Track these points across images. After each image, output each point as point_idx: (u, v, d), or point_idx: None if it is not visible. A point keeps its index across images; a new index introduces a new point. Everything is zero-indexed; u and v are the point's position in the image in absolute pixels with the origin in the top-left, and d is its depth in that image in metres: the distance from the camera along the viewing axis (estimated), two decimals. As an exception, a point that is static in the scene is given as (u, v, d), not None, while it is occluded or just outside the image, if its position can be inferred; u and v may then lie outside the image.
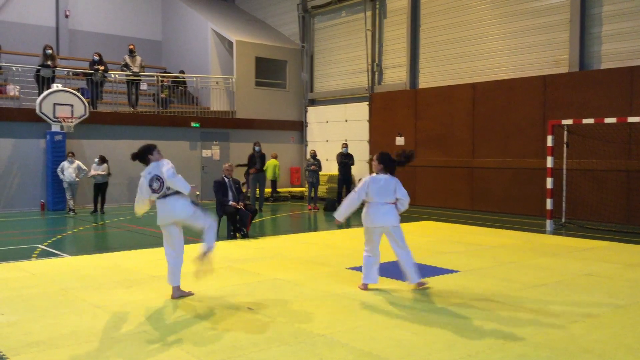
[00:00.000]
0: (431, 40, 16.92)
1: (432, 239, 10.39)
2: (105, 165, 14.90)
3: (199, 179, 18.83)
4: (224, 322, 5.31)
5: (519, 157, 14.49)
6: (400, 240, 6.47)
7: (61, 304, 5.92)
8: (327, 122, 20.26)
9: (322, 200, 17.28)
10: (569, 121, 11.61)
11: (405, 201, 6.58)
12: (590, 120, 11.31)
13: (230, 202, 10.51)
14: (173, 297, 6.14)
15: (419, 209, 16.08)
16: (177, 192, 6.12)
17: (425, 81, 17.09)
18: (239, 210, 10.47)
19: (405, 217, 13.89)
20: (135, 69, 17.80)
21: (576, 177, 12.74)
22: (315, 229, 12.78)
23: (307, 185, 17.14)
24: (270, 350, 4.53)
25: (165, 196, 6.12)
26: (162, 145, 18.10)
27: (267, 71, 20.62)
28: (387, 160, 6.63)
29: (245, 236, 10.56)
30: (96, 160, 14.84)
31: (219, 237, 10.56)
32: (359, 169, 17.74)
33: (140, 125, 17.52)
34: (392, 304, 5.93)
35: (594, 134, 12.46)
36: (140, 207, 6.33)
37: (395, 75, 17.99)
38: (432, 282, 6.90)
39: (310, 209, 15.95)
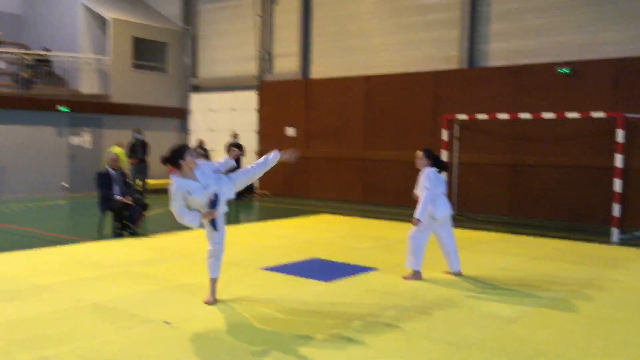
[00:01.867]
0: (324, 31, 16.65)
1: (337, 234, 10.09)
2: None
3: (66, 169, 17.07)
4: (142, 341, 4.53)
5: (411, 150, 14.61)
6: (451, 228, 6.95)
7: None
8: (212, 110, 19.30)
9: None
10: (464, 116, 11.89)
11: None
12: (484, 116, 11.66)
13: (117, 197, 9.43)
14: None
15: (312, 201, 15.82)
16: None
17: (318, 72, 16.80)
18: (128, 206, 9.42)
19: (300, 211, 13.58)
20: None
21: (465, 171, 13.13)
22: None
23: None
24: (208, 375, 3.87)
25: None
26: (26, 132, 16.34)
27: (146, 53, 19.17)
28: (434, 157, 6.96)
29: (134, 234, 9.54)
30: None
31: (102, 236, 9.53)
32: (248, 161, 17.04)
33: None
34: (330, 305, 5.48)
35: (482, 129, 12.92)
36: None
37: (287, 65, 17.51)
38: (356, 281, 6.57)
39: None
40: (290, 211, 13.69)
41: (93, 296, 5.74)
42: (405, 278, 6.65)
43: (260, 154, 17.68)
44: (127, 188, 9.70)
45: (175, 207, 5.17)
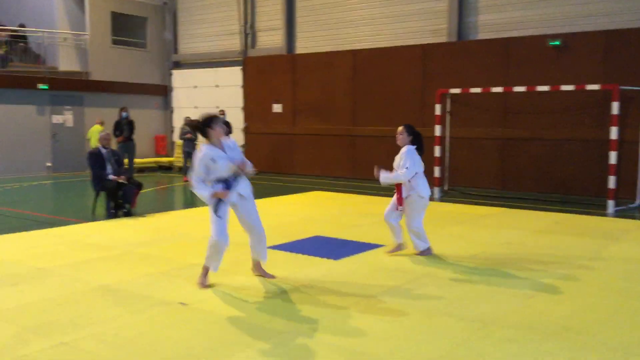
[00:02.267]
0: (309, 4, 16.36)
1: (333, 211, 10.02)
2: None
3: (49, 148, 16.65)
4: (161, 323, 4.41)
5: (399, 126, 14.58)
6: None
7: None
8: (195, 87, 18.94)
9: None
10: (457, 90, 11.82)
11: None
12: (478, 90, 11.61)
13: (110, 176, 9.20)
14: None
15: (299, 177, 15.71)
16: None
17: (303, 46, 16.55)
18: (122, 185, 9.20)
19: (290, 188, 13.46)
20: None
21: (456, 145, 13.12)
22: (205, 203, 11.78)
23: (181, 156, 15.91)
24: (234, 357, 3.79)
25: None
26: (5, 110, 15.83)
27: (125, 29, 18.67)
28: (415, 133, 6.63)
29: (128, 214, 9.35)
30: None
31: (95, 216, 9.32)
32: (235, 138, 16.78)
33: (-25, 86, 14.93)
34: (344, 284, 5.42)
35: (473, 103, 12.89)
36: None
37: (271, 39, 17.21)
38: (364, 258, 6.52)
39: (186, 181, 14.78)
40: (279, 188, 13.57)
41: (100, 279, 5.59)
42: (421, 253, 6.58)
43: (246, 130, 17.48)
44: (119, 167, 9.46)
45: (195, 175, 5.16)
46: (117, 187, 9.18)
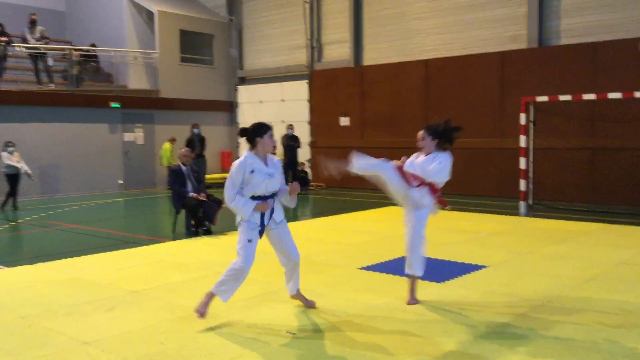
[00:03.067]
0: (376, 15, 16.03)
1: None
2: (17, 153, 12.69)
3: (121, 165, 16.86)
4: (280, 356, 4.07)
5: (475, 137, 14.01)
6: None
7: (32, 343, 4.37)
8: (260, 102, 18.87)
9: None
10: (544, 98, 11.16)
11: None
12: (568, 97, 10.92)
13: (191, 194, 9.04)
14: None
15: (368, 192, 15.26)
16: None
17: (371, 58, 16.21)
18: (203, 203, 9.03)
19: (363, 204, 13.05)
20: (34, 41, 15.40)
21: (539, 157, 12.40)
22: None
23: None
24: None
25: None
26: (79, 129, 16.09)
27: (192, 46, 18.83)
28: (441, 133, 5.38)
29: (208, 232, 9.15)
30: (9, 147, 12.53)
31: (176, 235, 9.17)
32: (302, 152, 16.57)
33: (52, 106, 15.29)
34: (461, 316, 4.95)
35: (558, 112, 12.17)
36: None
37: (337, 52, 16.96)
38: (469, 281, 6.02)
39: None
40: (351, 204, 13.19)
41: (196, 302, 5.31)
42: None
43: (312, 144, 17.22)
44: (199, 184, 9.30)
45: (230, 186, 4.66)
46: (197, 205, 9.01)
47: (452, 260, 7.02)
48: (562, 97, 10.94)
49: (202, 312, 4.77)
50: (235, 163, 4.71)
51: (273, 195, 4.79)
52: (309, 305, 5.16)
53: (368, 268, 6.71)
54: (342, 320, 4.82)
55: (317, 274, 6.47)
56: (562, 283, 5.88)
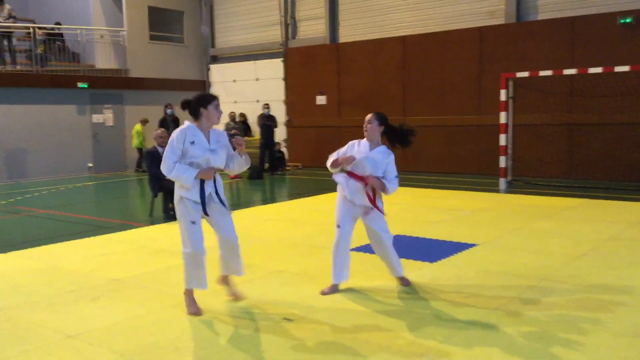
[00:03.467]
0: (352, -10, 15.73)
1: (399, 207, 9.38)
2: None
3: (90, 148, 16.34)
4: (274, 345, 3.89)
5: (454, 114, 13.96)
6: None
7: (13, 337, 4.09)
8: (234, 81, 18.47)
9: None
10: (525, 73, 11.10)
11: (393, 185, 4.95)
12: (548, 72, 10.87)
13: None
14: None
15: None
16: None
17: (347, 34, 15.94)
18: (181, 185, 8.71)
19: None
20: (1, 20, 14.72)
21: (518, 133, 12.39)
22: (264, 201, 11.29)
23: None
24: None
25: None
26: (45, 111, 15.50)
27: (161, 24, 18.25)
28: (387, 123, 4.98)
29: (188, 215, 8.86)
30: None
31: (153, 219, 8.88)
32: (278, 132, 16.28)
33: (17, 87, 14.66)
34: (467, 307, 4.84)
35: (537, 87, 12.15)
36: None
37: (313, 29, 16.63)
38: (463, 260, 5.93)
39: (232, 178, 14.33)
40: (330, 183, 12.95)
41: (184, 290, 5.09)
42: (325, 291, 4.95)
43: (289, 124, 16.95)
44: (176, 166, 8.97)
45: (170, 153, 4.26)
46: (176, 188, 8.70)
47: (440, 239, 6.92)
48: (543, 73, 10.90)
49: (193, 311, 4.44)
50: (176, 131, 4.35)
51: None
52: (236, 296, 4.77)
53: (357, 249, 6.54)
54: (338, 306, 4.66)
55: (306, 256, 6.30)
56: (556, 260, 5.82)
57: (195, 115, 4.39)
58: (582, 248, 6.27)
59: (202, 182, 4.38)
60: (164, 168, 4.32)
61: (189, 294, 4.54)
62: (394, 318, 4.29)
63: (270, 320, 4.34)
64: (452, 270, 5.56)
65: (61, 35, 16.92)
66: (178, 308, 4.61)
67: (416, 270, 5.56)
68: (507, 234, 7.13)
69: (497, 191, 11.04)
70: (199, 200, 4.37)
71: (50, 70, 15.72)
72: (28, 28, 15.71)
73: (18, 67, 15.08)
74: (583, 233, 7.03)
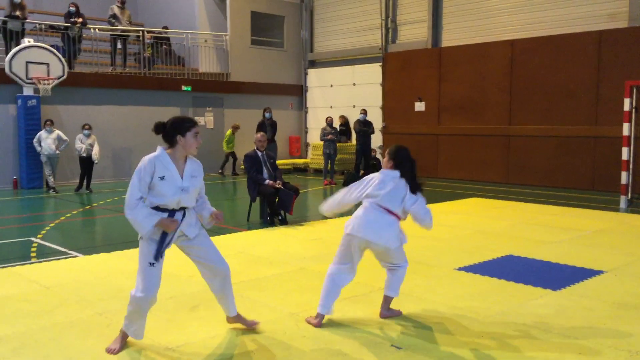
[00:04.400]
0: (457, -7, 15.09)
1: (507, 222, 8.75)
2: (93, 136, 12.66)
3: (191, 149, 16.64)
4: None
5: (566, 124, 12.97)
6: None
7: (111, 343, 3.98)
8: (331, 85, 18.30)
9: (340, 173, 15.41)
10: (654, 82, 10.06)
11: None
12: (681, 81, 9.79)
13: (267, 181, 8.59)
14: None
15: (444, 182, 14.50)
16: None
17: (450, 38, 15.30)
18: (279, 190, 8.56)
19: (441, 194, 12.27)
20: (125, 22, 15.39)
21: (638, 146, 11.27)
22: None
23: (320, 157, 15.27)
24: None
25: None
26: (151, 112, 15.90)
27: (263, 28, 18.42)
28: (403, 159, 4.43)
29: (284, 221, 8.71)
30: (85, 130, 12.51)
31: (251, 224, 8.76)
32: (374, 139, 15.88)
33: (125, 89, 15.23)
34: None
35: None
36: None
37: (414, 33, 16.12)
38: (589, 289, 5.26)
39: (326, 184, 14.11)
40: (430, 194, 12.44)
41: (284, 304, 4.84)
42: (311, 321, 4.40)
43: (385, 130, 16.53)
44: (274, 171, 8.84)
45: (136, 186, 3.66)
46: (274, 193, 8.56)
47: (561, 262, 6.25)
48: (675, 81, 9.81)
49: (113, 349, 3.83)
50: (145, 159, 3.70)
51: (183, 209, 3.84)
52: (251, 325, 4.23)
53: (467, 269, 6.04)
54: (453, 332, 4.20)
55: (410, 273, 5.85)
56: None
57: (170, 143, 3.79)
58: None
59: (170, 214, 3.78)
60: (125, 203, 3.69)
61: (123, 334, 3.92)
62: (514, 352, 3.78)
63: (374, 346, 3.96)
64: (580, 301, 4.93)
65: (168, 39, 17.48)
66: (279, 323, 4.35)
67: (537, 299, 4.99)
68: (638, 260, 6.33)
69: (617, 210, 10.06)
70: (157, 242, 3.74)
71: (156, 72, 16.24)
72: (138, 32, 16.31)
73: (127, 70, 15.67)
74: None
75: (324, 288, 4.42)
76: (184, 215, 3.84)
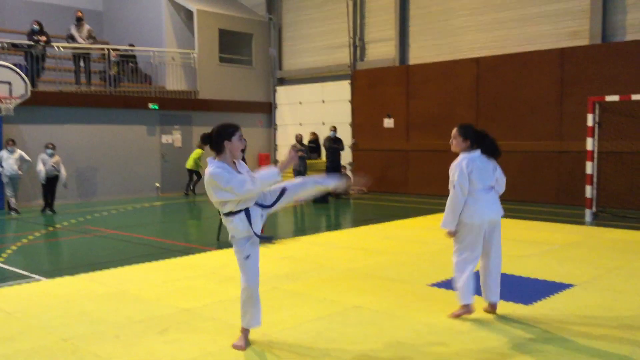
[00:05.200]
0: (424, 11, 15.32)
1: (479, 237, 8.80)
2: (57, 156, 12.37)
3: (158, 168, 16.46)
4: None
5: (531, 139, 13.21)
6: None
7: (78, 373, 3.83)
8: (300, 103, 18.32)
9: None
10: (615, 97, 10.32)
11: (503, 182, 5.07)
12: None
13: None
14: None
15: (414, 197, 14.59)
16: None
17: (417, 56, 15.50)
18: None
19: (409, 209, 12.34)
20: (82, 40, 15.14)
21: (602, 160, 11.53)
22: (330, 227, 10.92)
23: (285, 174, 15.21)
24: None
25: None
26: (117, 131, 15.70)
27: (231, 46, 18.38)
28: (473, 133, 4.89)
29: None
30: (48, 150, 12.22)
31: (221, 243, 8.63)
32: (344, 155, 15.90)
33: (90, 107, 14.97)
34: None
35: (624, 112, 11.29)
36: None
37: (382, 51, 16.29)
38: (560, 303, 5.30)
39: (297, 201, 14.01)
40: (397, 209, 12.52)
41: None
42: (455, 315, 4.86)
43: (354, 147, 16.58)
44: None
45: (232, 179, 3.88)
46: (244, 211, 8.44)
47: (531, 277, 6.30)
48: (635, 97, 10.08)
49: (239, 345, 4.21)
50: (215, 170, 3.93)
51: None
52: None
53: (440, 285, 6.04)
54: (431, 350, 4.16)
55: (384, 290, 5.82)
56: (671, 307, 5.13)
57: (219, 149, 4.03)
58: (700, 293, 5.52)
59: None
60: (244, 188, 3.89)
61: (245, 332, 4.32)
62: (495, 371, 3.76)
63: (353, 366, 3.89)
64: (551, 314, 4.96)
65: (134, 56, 17.28)
66: (252, 346, 4.24)
67: (510, 312, 5.00)
68: (606, 273, 6.42)
69: (583, 223, 10.23)
70: (251, 232, 4.15)
71: (122, 91, 16.02)
72: (103, 49, 16.08)
73: (92, 88, 15.41)
74: (696, 275, 6.25)
75: (465, 282, 4.75)
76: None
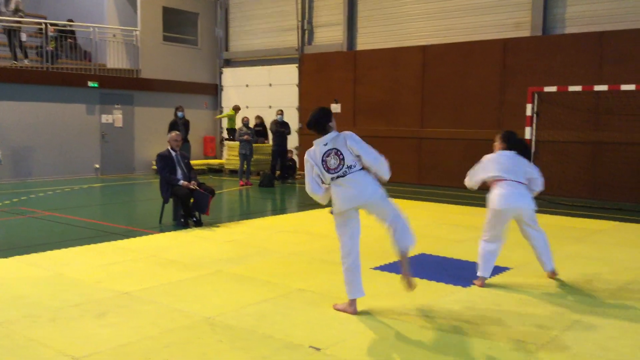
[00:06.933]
0: (372, -3, 15.37)
1: (421, 222, 8.96)
2: (-12, 132, 11.79)
3: (98, 149, 15.96)
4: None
5: (474, 128, 13.53)
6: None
7: (10, 356, 3.68)
8: (246, 85, 18.10)
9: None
10: (553, 88, 10.69)
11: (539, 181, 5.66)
12: (578, 88, 10.47)
13: (181, 182, 8.34)
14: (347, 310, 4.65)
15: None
16: (363, 168, 4.59)
17: (365, 42, 15.56)
18: (194, 191, 8.33)
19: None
20: (9, 14, 14.38)
21: (542, 150, 11.95)
22: (276, 211, 10.87)
23: (235, 158, 15.05)
24: None
25: (345, 175, 4.53)
26: (54, 109, 15.12)
27: (176, 25, 17.94)
28: (515, 140, 5.74)
29: (199, 223, 8.48)
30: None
31: (163, 226, 8.47)
32: (290, 140, 15.86)
33: (26, 84, 14.31)
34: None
35: (562, 103, 11.73)
36: (322, 197, 4.75)
37: (330, 35, 16.26)
38: (497, 285, 5.49)
39: (242, 185, 13.93)
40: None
41: (201, 309, 4.67)
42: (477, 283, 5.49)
43: (301, 131, 16.55)
44: (189, 172, 8.59)
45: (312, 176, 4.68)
46: (188, 194, 8.31)
47: (470, 260, 6.47)
48: (572, 88, 10.48)
49: (342, 308, 4.65)
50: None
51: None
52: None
53: (382, 268, 6.13)
54: (374, 334, 4.22)
55: (327, 274, 5.86)
56: (601, 287, 5.39)
57: (324, 131, 4.63)
58: (626, 276, 5.83)
59: None
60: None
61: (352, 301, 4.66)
62: (440, 353, 3.85)
63: (294, 348, 3.90)
64: (489, 297, 5.12)
65: (73, 32, 16.61)
66: (194, 329, 4.19)
67: (449, 295, 5.14)
68: (540, 257, 6.67)
69: (520, 209, 10.58)
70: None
71: (60, 67, 15.39)
72: (40, 24, 15.36)
73: (27, 63, 14.73)
74: (623, 259, 6.59)
75: (484, 258, 5.42)
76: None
